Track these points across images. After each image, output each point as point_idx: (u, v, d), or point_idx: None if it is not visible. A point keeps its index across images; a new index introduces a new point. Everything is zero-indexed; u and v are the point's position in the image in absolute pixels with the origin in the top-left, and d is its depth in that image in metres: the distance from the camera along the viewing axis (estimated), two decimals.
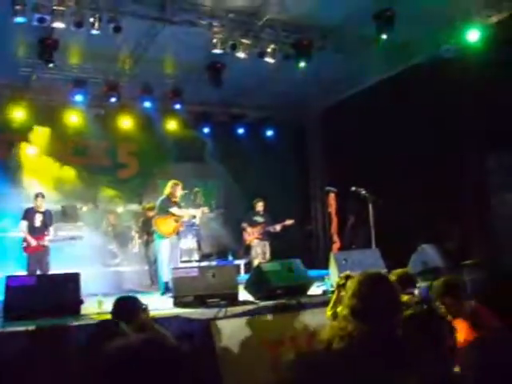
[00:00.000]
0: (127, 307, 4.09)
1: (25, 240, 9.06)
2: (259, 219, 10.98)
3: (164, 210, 8.63)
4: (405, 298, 4.73)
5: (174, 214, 8.57)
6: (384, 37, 8.68)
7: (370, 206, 8.68)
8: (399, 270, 5.38)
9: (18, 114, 11.44)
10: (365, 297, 2.83)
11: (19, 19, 7.69)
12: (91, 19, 8.03)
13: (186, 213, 8.90)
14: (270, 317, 6.09)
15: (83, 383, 3.48)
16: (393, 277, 4.91)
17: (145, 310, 4.28)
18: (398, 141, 10.11)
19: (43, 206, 9.38)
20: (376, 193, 8.82)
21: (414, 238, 8.84)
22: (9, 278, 5.97)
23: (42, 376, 4.32)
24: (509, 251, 8.69)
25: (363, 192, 8.84)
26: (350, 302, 2.86)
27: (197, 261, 10.37)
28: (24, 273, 8.83)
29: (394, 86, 10.56)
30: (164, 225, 8.60)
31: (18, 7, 7.60)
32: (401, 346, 2.67)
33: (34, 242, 9.02)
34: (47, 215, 9.36)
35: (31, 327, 4.91)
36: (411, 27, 8.93)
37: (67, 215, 11.48)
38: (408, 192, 9.88)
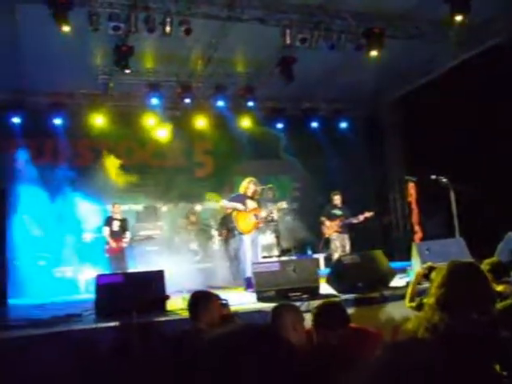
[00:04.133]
0: (202, 301, 4.16)
1: (107, 243, 10.34)
2: (338, 212, 10.84)
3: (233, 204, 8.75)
4: (500, 287, 4.53)
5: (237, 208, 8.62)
6: (459, 18, 8.30)
7: (452, 194, 8.41)
8: (492, 259, 5.12)
9: (98, 121, 11.90)
10: (455, 287, 2.70)
11: (95, 29, 8.04)
12: (162, 23, 8.26)
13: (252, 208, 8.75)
14: (352, 310, 6.02)
15: (175, 375, 3.59)
16: (486, 266, 4.72)
17: (225, 305, 4.34)
18: (479, 125, 9.71)
19: (119, 213, 10.70)
20: (457, 180, 8.52)
21: (499, 226, 8.47)
22: (99, 276, 6.19)
23: (133, 369, 4.49)
24: None
25: (444, 180, 8.56)
26: (437, 291, 2.76)
27: (276, 256, 10.41)
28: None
29: (470, 70, 10.14)
30: (243, 221, 8.66)
31: (94, 17, 7.95)
32: (493, 340, 2.55)
33: (114, 244, 10.31)
34: (123, 221, 10.66)
35: (122, 322, 5.10)
36: (490, 3, 8.53)
37: (148, 215, 11.93)
38: (491, 178, 9.49)
